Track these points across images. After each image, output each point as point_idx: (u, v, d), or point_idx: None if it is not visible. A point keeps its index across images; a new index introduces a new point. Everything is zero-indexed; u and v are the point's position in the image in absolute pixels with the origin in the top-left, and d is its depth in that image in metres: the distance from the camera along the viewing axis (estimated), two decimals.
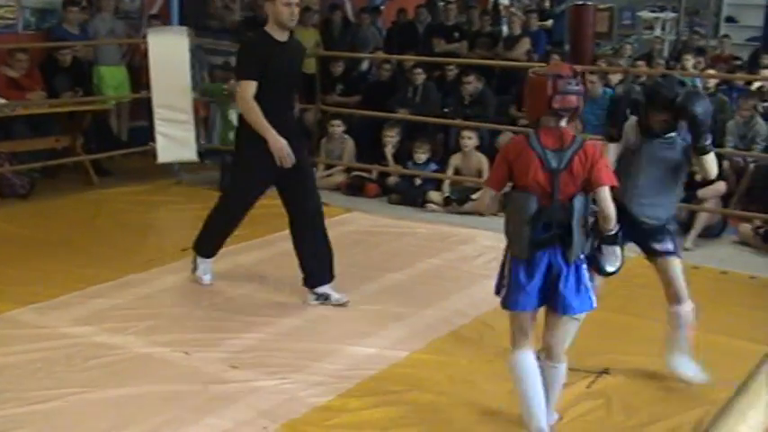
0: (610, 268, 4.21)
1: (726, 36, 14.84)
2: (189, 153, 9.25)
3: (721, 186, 7.82)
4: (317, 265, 6.01)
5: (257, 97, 5.66)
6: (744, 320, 5.84)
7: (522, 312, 4.05)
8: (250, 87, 5.66)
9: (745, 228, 7.72)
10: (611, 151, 4.69)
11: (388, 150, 9.39)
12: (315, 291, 5.99)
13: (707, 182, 6.79)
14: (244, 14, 12.85)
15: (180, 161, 9.41)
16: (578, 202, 3.90)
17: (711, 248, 7.60)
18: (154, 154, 9.19)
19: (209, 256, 6.26)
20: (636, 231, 4.65)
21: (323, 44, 12.18)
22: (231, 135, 9.38)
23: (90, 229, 7.64)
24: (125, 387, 4.66)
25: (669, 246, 4.71)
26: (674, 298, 4.73)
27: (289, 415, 4.40)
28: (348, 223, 8.12)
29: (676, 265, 4.72)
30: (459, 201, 8.71)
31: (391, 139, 9.43)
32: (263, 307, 5.86)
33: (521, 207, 3.93)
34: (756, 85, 9.93)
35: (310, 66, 10.52)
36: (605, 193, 3.95)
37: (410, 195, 8.99)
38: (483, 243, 7.41)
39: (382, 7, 14.66)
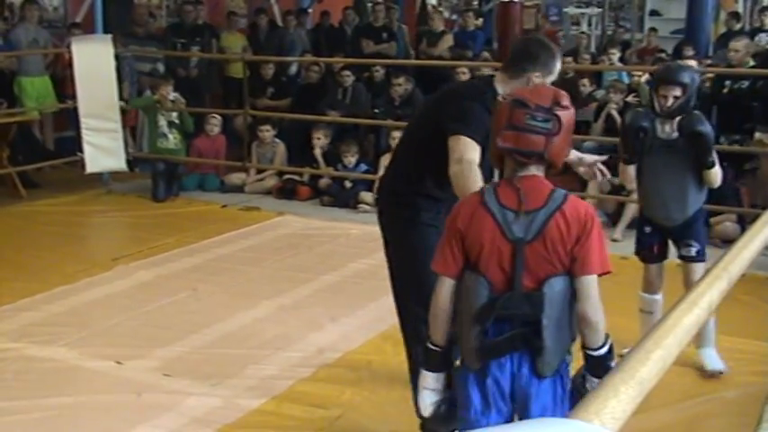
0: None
1: (653, 29, 15.10)
2: (118, 162, 9.18)
3: None
4: None
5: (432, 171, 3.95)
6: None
7: None
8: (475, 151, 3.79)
9: None
10: (630, 170, 4.90)
11: (318, 152, 9.39)
12: None
13: None
14: (170, 21, 12.77)
15: (109, 171, 9.32)
16: (553, 288, 2.76)
17: None
18: (82, 164, 9.09)
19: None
20: (666, 231, 4.94)
21: (251, 48, 12.14)
22: (161, 142, 9.40)
23: (19, 242, 7.52)
24: (57, 398, 4.60)
25: (693, 251, 4.87)
26: None
27: (222, 420, 4.38)
28: (281, 227, 8.12)
29: (699, 270, 4.77)
30: None
31: (320, 141, 9.42)
32: (195, 314, 5.82)
33: (466, 296, 2.84)
34: None
35: (238, 70, 10.51)
36: (592, 286, 2.77)
37: (342, 197, 9.00)
38: None
39: (309, 10, 14.66)
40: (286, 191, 9.32)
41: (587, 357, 2.82)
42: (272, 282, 6.45)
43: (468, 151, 3.69)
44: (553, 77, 3.78)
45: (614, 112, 9.07)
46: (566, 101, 2.83)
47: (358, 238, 7.76)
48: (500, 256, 2.77)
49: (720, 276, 2.13)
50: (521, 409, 2.85)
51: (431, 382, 3.04)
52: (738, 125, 8.26)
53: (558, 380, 2.84)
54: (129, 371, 4.96)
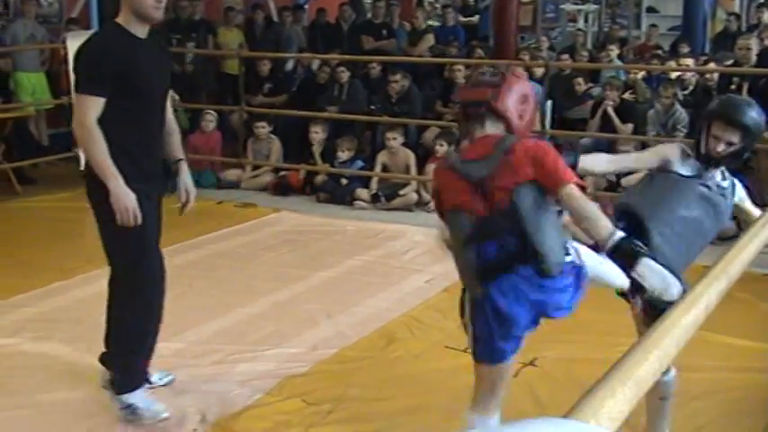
0: (670, 294, 2.99)
1: (654, 26, 15.10)
2: None
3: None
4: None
5: (105, 121, 4.01)
6: None
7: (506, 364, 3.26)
8: (93, 106, 3.99)
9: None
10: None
11: (316, 148, 9.38)
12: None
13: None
14: (165, 17, 12.73)
15: None
16: (521, 194, 3.06)
17: None
18: (77, 160, 9.05)
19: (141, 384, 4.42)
20: None
21: (247, 44, 12.12)
22: None
23: (14, 238, 7.50)
24: (52, 394, 4.61)
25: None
26: None
27: (216, 415, 4.38)
28: (277, 223, 8.11)
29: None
30: (386, 197, 8.74)
31: (317, 135, 9.42)
32: (190, 310, 5.81)
33: (452, 229, 3.25)
34: (675, 74, 10.11)
35: (234, 67, 10.50)
36: (572, 191, 3.03)
37: (338, 193, 8.99)
38: (412, 239, 7.44)
39: (306, 6, 14.64)
40: (282, 187, 9.31)
41: (610, 255, 3.02)
42: (268, 278, 6.44)
43: (86, 113, 3.99)
44: None
45: (610, 110, 9.07)
46: (518, 72, 3.42)
47: (354, 234, 7.76)
48: (469, 196, 3.14)
49: (719, 278, 2.12)
50: (541, 309, 3.14)
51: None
52: None
53: (567, 268, 3.09)
54: None
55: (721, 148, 3.61)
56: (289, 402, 4.54)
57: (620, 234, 2.99)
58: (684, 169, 3.68)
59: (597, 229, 3.00)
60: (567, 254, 3.12)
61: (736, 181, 3.83)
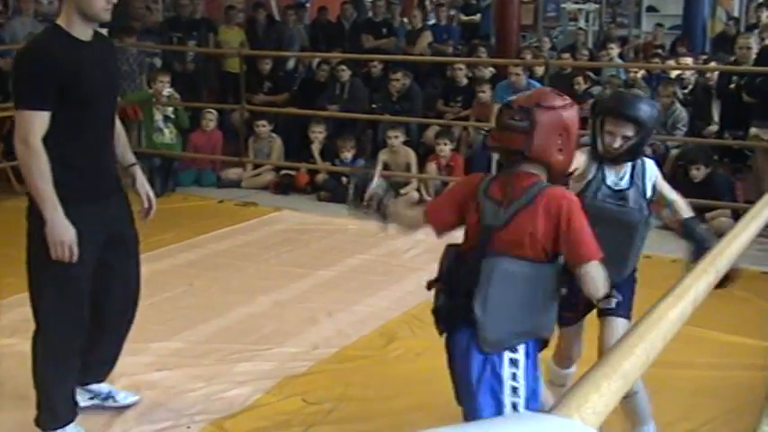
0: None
1: (660, 25, 15.10)
2: None
3: None
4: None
5: (48, 135, 3.63)
6: None
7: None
8: (37, 123, 3.60)
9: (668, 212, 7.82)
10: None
11: (316, 147, 9.38)
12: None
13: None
14: (166, 15, 12.75)
15: None
16: (502, 266, 2.94)
17: None
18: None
19: (71, 420, 4.07)
20: None
21: (248, 43, 12.14)
22: (157, 137, 9.40)
23: (12, 237, 7.44)
24: None
25: (612, 301, 3.72)
26: None
27: (217, 414, 4.39)
28: (278, 222, 8.12)
29: (618, 327, 3.73)
30: None
31: (319, 134, 9.42)
32: (191, 309, 5.82)
33: (440, 262, 3.18)
34: (675, 73, 10.13)
35: (235, 65, 10.51)
36: (591, 272, 2.90)
37: (339, 192, 8.99)
38: (413, 237, 7.41)
39: (307, 4, 14.65)
40: (283, 186, 9.32)
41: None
42: (269, 277, 6.45)
43: (30, 131, 3.61)
44: None
45: None
46: (549, 101, 3.01)
47: (354, 233, 7.75)
48: (473, 235, 3.02)
49: (707, 270, 2.13)
50: (456, 380, 3.14)
51: None
52: (743, 120, 8.28)
53: (494, 358, 2.98)
54: (124, 366, 4.92)
55: (617, 143, 3.62)
56: (289, 401, 4.55)
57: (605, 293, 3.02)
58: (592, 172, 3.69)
59: (597, 292, 2.97)
60: (514, 350, 3.01)
61: (647, 162, 3.82)
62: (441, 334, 3.19)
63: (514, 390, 3.00)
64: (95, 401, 4.36)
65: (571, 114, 3.03)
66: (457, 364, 3.10)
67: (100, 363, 4.31)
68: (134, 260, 4.17)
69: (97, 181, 3.86)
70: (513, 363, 3.01)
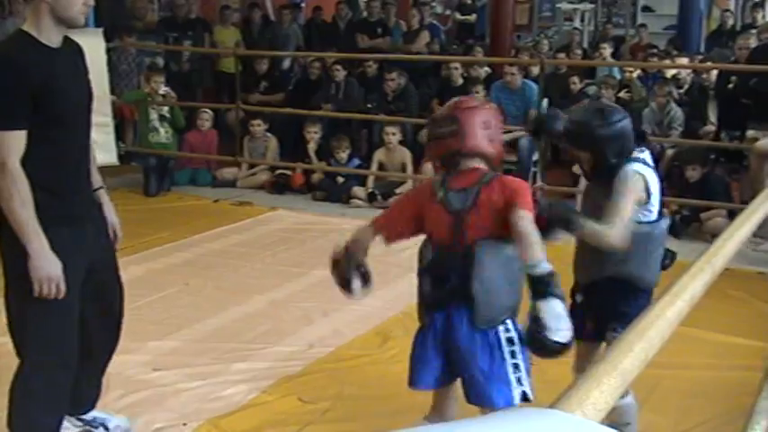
0: (554, 337, 2.94)
1: (642, 25, 15.11)
2: (109, 157, 9.14)
3: None
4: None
5: (27, 158, 3.28)
6: None
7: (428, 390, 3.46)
8: (14, 144, 3.25)
9: (664, 212, 7.84)
10: None
11: (311, 147, 9.39)
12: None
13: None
14: (162, 14, 12.75)
15: (100, 165, 9.28)
16: (483, 248, 3.14)
17: None
18: None
19: None
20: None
21: (244, 43, 12.14)
22: (152, 136, 9.40)
23: None
24: None
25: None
26: None
27: (210, 414, 4.38)
28: (273, 221, 8.12)
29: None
30: (383, 195, 8.75)
31: (315, 134, 9.43)
32: (186, 309, 5.82)
33: (419, 258, 3.33)
34: (671, 72, 10.14)
35: (230, 65, 10.51)
36: (523, 214, 3.07)
37: (335, 192, 9.01)
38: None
39: (302, 4, 14.67)
40: (278, 185, 9.32)
41: (530, 279, 3.02)
42: (264, 276, 6.45)
43: (6, 153, 3.23)
44: None
45: None
46: (467, 104, 3.34)
47: (350, 232, 7.74)
48: (445, 224, 3.21)
49: (704, 269, 2.14)
50: (455, 360, 3.25)
51: None
52: (741, 121, 8.30)
53: (492, 331, 3.17)
54: (119, 365, 4.91)
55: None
56: (285, 401, 4.55)
57: (549, 268, 3.00)
58: None
59: (535, 253, 3.01)
60: (507, 329, 3.21)
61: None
62: (423, 320, 3.35)
63: (516, 366, 3.21)
64: (86, 428, 4.10)
65: (489, 112, 3.35)
66: (455, 339, 3.23)
67: (87, 393, 4.04)
68: (118, 284, 3.95)
69: (77, 203, 3.55)
70: (510, 341, 3.21)
